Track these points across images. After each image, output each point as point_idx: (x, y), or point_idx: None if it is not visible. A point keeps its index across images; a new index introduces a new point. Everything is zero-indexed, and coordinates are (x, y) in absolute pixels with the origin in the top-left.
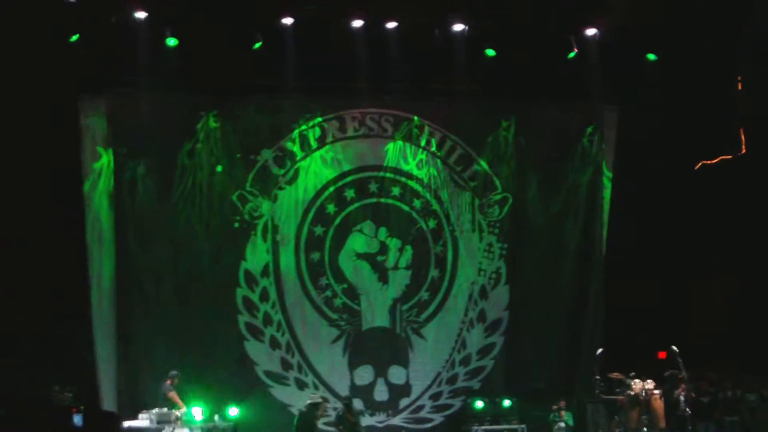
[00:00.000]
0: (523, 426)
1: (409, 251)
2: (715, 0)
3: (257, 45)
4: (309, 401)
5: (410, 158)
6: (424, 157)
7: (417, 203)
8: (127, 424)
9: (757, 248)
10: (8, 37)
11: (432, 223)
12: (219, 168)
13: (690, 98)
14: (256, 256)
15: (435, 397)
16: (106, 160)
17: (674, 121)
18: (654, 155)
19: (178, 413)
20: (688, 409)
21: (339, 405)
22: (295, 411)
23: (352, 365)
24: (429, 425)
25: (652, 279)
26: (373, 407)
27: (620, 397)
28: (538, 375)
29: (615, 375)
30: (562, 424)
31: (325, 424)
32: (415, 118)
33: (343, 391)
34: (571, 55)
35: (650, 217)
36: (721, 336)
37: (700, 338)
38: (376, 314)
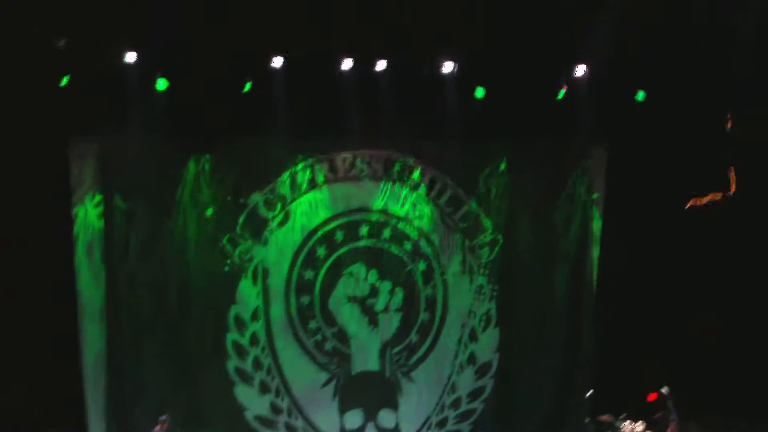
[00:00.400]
0: None
1: (399, 294)
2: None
3: (247, 87)
4: None
5: (401, 200)
6: (414, 198)
7: (407, 245)
8: None
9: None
10: None
11: (422, 266)
12: (209, 211)
13: (680, 136)
14: (246, 300)
15: None
16: (96, 203)
17: (664, 159)
18: (644, 193)
19: None
20: None
21: None
22: None
23: (342, 409)
24: None
25: (645, 319)
26: None
27: None
28: (529, 418)
29: (605, 417)
30: None
31: None
32: (406, 159)
33: None
34: (561, 95)
35: (643, 256)
36: (711, 377)
37: (691, 380)
38: (366, 358)
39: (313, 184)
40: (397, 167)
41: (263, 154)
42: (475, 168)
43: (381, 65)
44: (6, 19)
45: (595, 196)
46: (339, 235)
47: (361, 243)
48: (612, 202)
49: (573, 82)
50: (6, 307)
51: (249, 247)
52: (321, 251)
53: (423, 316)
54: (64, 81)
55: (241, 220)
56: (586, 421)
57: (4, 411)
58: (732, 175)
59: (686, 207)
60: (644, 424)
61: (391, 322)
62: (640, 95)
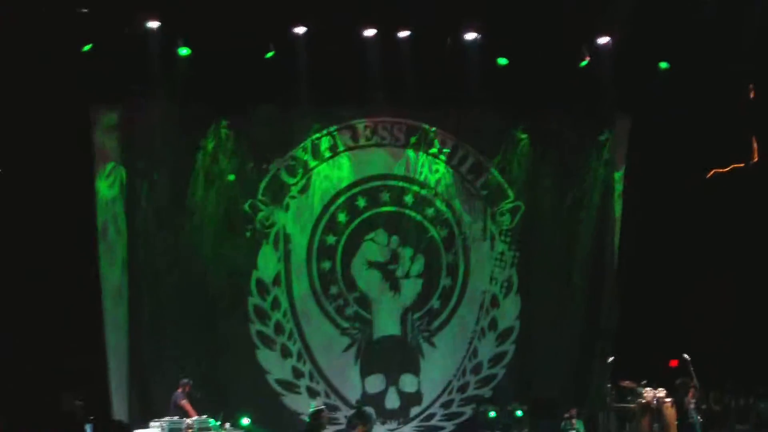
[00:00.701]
0: None
1: (420, 260)
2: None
3: (269, 54)
4: (310, 411)
5: (422, 167)
6: (436, 165)
7: (429, 212)
8: None
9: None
10: (19, 47)
11: (444, 232)
12: (231, 177)
13: (703, 106)
14: (267, 265)
15: (446, 405)
16: (118, 169)
17: (687, 128)
18: (667, 163)
19: (190, 421)
20: (699, 417)
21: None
22: (306, 419)
23: (364, 373)
24: None
25: (665, 288)
26: (384, 415)
27: (632, 406)
28: (549, 383)
29: (626, 383)
30: None
31: None
32: (427, 126)
33: (355, 399)
34: (583, 63)
35: (663, 225)
36: (731, 345)
37: (711, 348)
38: (387, 323)
39: (334, 151)
40: (418, 135)
41: (284, 121)
42: (497, 136)
43: (402, 34)
44: None
45: (617, 169)
46: (360, 201)
47: (383, 209)
48: (635, 170)
49: (596, 52)
50: (29, 283)
51: (270, 212)
52: (342, 217)
53: (444, 281)
54: (87, 47)
55: (262, 185)
56: (608, 386)
57: (31, 382)
58: (755, 143)
59: (708, 176)
60: (665, 390)
61: (412, 288)
62: (663, 65)
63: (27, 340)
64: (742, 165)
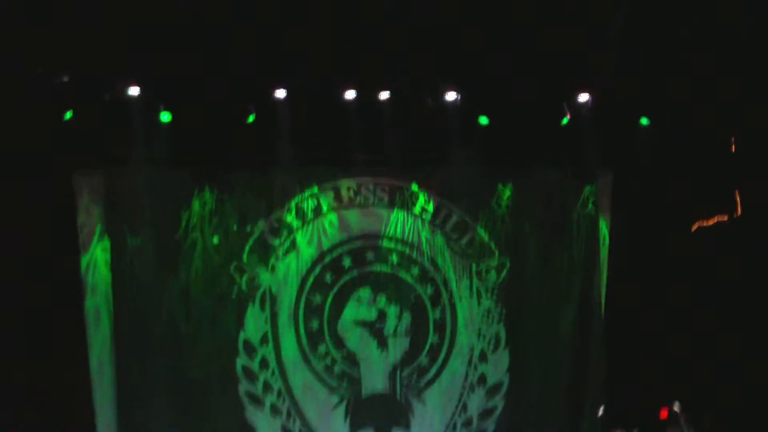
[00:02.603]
0: None
1: (407, 318)
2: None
3: (251, 118)
4: None
5: (407, 226)
6: (420, 225)
7: (415, 270)
8: None
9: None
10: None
11: (430, 290)
12: (215, 240)
13: (685, 160)
14: (254, 326)
15: None
16: (102, 236)
17: (670, 182)
18: (651, 216)
19: None
20: None
21: None
22: None
23: (354, 429)
24: None
25: (654, 340)
26: None
27: None
28: None
29: None
30: None
31: None
32: (412, 186)
33: None
34: (565, 121)
35: (651, 277)
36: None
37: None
38: (376, 380)
39: (318, 213)
40: (402, 194)
41: (267, 183)
42: (480, 194)
43: (384, 95)
44: (8, 55)
45: (602, 222)
46: (346, 261)
47: (368, 269)
48: (619, 225)
49: (577, 109)
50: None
51: (256, 274)
52: (328, 277)
53: (432, 339)
54: (68, 116)
55: (247, 248)
56: None
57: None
58: (738, 197)
59: (693, 230)
60: None
61: (400, 345)
62: (644, 120)
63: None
64: (725, 218)
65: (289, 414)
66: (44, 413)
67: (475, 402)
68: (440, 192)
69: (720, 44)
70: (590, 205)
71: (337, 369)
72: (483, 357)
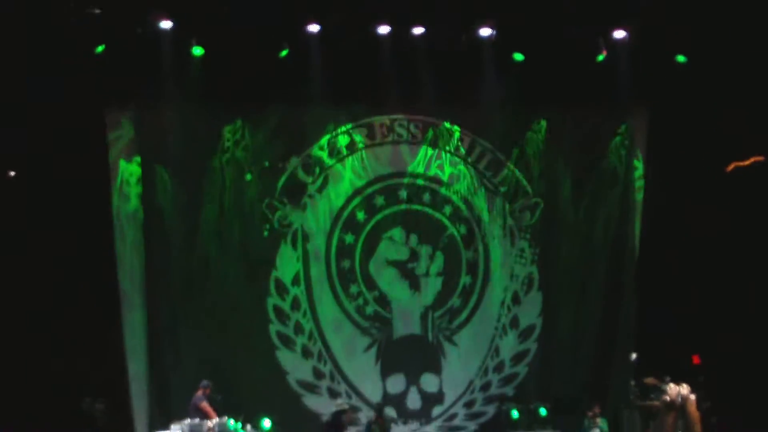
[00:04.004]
0: None
1: (440, 258)
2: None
3: (283, 53)
4: (334, 408)
5: (440, 164)
6: (454, 162)
7: (447, 209)
8: None
9: None
10: (32, 50)
11: (463, 229)
12: (248, 176)
13: (722, 99)
14: (286, 265)
15: (468, 404)
16: (134, 172)
17: (706, 121)
18: (686, 155)
19: (210, 424)
20: None
21: (372, 413)
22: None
23: (385, 373)
24: None
25: (687, 282)
26: (405, 415)
27: (655, 403)
28: (573, 381)
29: (650, 380)
30: (597, 431)
31: None
32: (444, 123)
33: (376, 399)
34: (600, 57)
35: (683, 217)
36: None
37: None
38: (407, 322)
39: (352, 149)
40: (435, 132)
41: (300, 119)
42: (514, 132)
43: (417, 31)
44: None
45: (637, 162)
46: (379, 200)
47: (401, 207)
48: (654, 162)
49: (612, 45)
50: (42, 274)
51: (288, 212)
52: (361, 215)
53: (464, 279)
54: (100, 49)
55: (279, 184)
56: (631, 383)
57: (50, 381)
58: None
59: (728, 170)
60: (689, 386)
61: (432, 286)
62: (681, 58)
63: (47, 345)
64: (761, 159)
65: (320, 356)
66: (77, 353)
67: (508, 345)
68: (474, 130)
69: None
70: (625, 144)
71: (369, 310)
72: (516, 299)
